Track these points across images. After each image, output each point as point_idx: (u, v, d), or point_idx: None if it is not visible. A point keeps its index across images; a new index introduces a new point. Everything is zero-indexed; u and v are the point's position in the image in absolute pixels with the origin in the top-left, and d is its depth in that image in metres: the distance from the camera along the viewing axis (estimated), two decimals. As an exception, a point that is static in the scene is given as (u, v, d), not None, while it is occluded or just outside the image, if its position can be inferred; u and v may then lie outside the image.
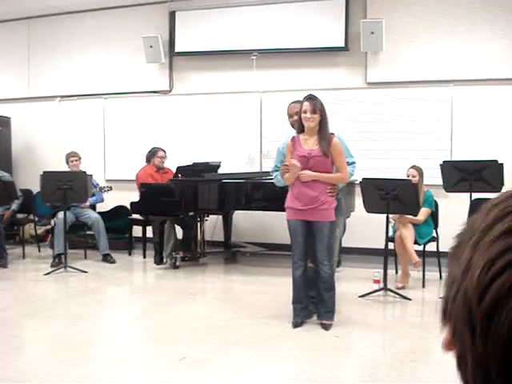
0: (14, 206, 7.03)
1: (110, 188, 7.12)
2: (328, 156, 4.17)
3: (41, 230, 7.86)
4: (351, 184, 5.63)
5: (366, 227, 6.38)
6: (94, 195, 6.97)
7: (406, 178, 5.43)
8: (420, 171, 5.57)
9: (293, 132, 4.52)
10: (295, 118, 4.50)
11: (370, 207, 5.09)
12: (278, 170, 4.51)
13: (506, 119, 6.48)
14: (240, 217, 7.17)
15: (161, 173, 6.94)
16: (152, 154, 6.99)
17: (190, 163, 6.77)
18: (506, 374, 0.47)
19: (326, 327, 4.28)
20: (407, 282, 5.48)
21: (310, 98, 4.16)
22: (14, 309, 4.90)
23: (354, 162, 4.64)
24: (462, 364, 0.52)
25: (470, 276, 0.49)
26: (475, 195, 5.31)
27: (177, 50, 7.61)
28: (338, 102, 6.90)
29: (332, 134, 4.23)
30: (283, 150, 4.48)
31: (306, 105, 4.14)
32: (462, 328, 0.50)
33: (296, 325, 4.35)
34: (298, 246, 4.28)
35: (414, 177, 5.47)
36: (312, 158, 4.17)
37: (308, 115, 4.13)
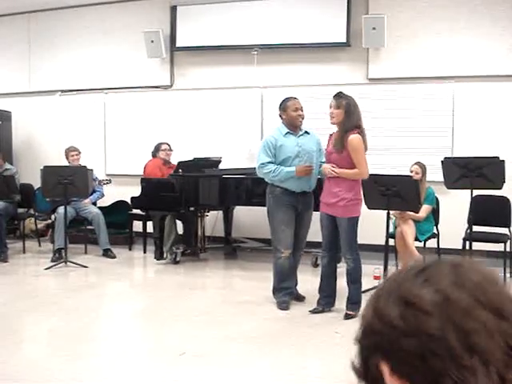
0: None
1: (110, 181, 7.11)
2: (342, 153, 4.27)
3: (41, 225, 7.86)
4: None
5: (366, 223, 6.35)
6: (94, 190, 6.96)
7: (407, 174, 5.42)
8: (423, 168, 5.55)
9: (278, 126, 4.67)
10: (300, 112, 4.63)
11: (370, 203, 5.08)
12: (272, 163, 4.59)
13: (507, 116, 6.46)
14: (240, 212, 7.16)
15: (167, 167, 6.92)
16: (156, 149, 6.99)
17: (191, 158, 6.76)
18: None
19: (349, 317, 4.38)
20: (407, 278, 5.47)
21: (335, 95, 4.32)
22: (14, 303, 4.90)
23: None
24: None
25: None
26: (476, 192, 5.30)
27: (178, 44, 7.59)
28: (340, 97, 6.87)
29: (353, 130, 4.29)
30: (275, 142, 4.59)
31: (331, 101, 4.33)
32: None
33: (316, 311, 4.51)
34: (323, 237, 4.51)
35: (417, 173, 5.45)
36: (330, 154, 4.37)
37: (330, 110, 4.31)
